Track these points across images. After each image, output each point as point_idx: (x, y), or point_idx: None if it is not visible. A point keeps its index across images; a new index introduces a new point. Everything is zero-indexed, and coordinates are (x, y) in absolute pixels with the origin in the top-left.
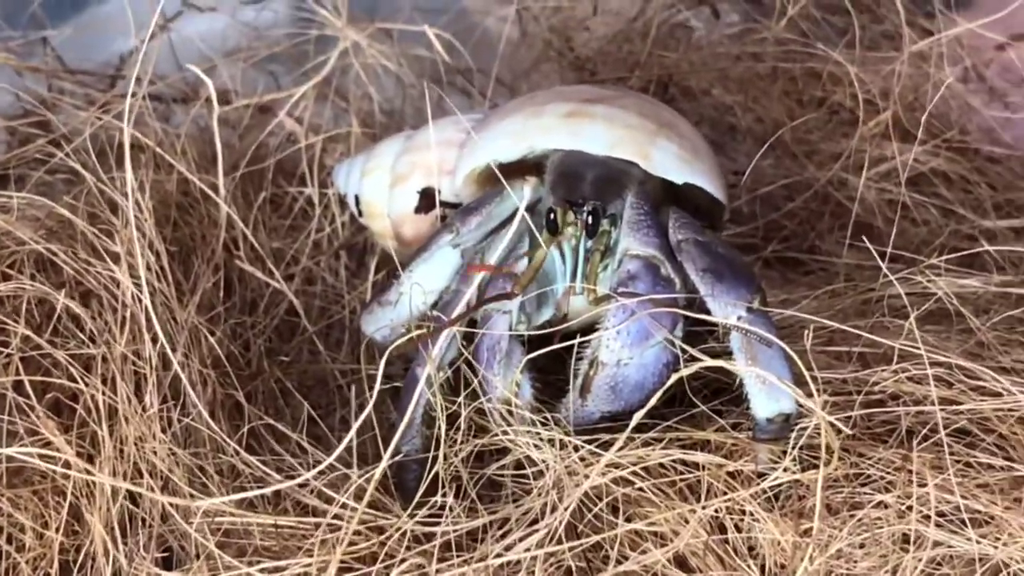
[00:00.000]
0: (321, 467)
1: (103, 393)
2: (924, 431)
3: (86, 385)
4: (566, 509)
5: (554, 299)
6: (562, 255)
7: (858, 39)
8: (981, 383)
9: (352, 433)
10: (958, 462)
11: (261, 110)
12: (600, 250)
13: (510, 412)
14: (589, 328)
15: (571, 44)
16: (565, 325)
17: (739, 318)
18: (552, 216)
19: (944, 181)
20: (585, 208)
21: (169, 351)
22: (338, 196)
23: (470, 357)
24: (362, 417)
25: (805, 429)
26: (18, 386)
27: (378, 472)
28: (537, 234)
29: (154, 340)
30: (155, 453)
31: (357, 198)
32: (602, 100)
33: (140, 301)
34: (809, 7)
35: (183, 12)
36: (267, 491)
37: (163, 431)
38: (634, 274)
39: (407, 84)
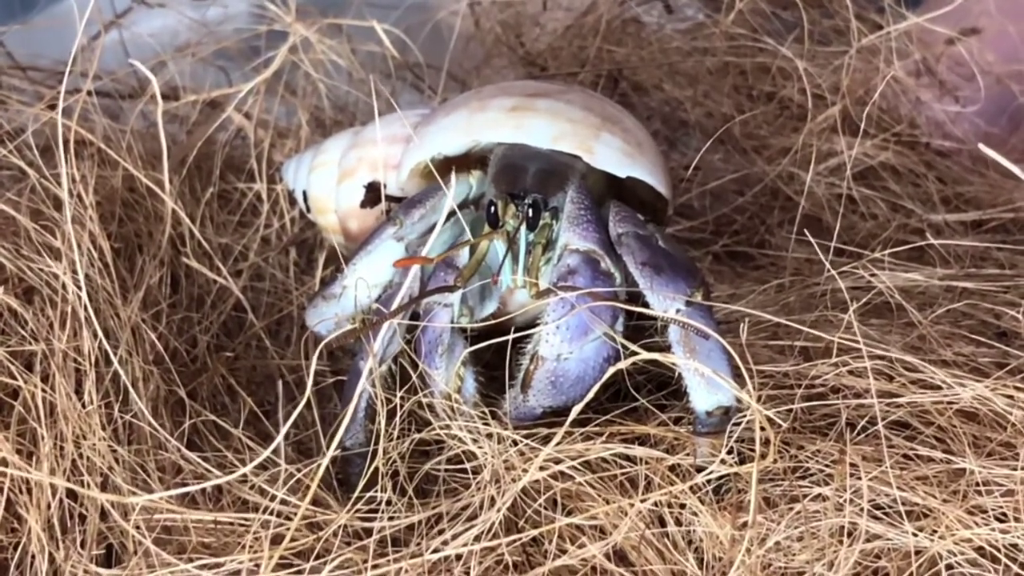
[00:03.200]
0: (257, 461)
1: (42, 390)
2: (863, 424)
3: (25, 382)
4: (504, 503)
5: (496, 292)
6: (504, 247)
7: (807, 34)
8: (921, 376)
9: (287, 426)
10: (897, 455)
11: (211, 105)
12: (542, 243)
13: (451, 407)
14: (531, 322)
15: (522, 40)
16: (507, 318)
17: (677, 311)
18: (492, 209)
19: (893, 175)
20: (526, 201)
21: (108, 348)
22: (287, 192)
23: (411, 351)
24: (298, 409)
25: (742, 423)
26: None
27: (320, 468)
28: (466, 227)
29: (95, 336)
30: (94, 449)
31: (305, 194)
32: (546, 94)
33: (80, 298)
34: (759, 2)
35: (133, 8)
36: (205, 486)
37: (103, 428)
38: (574, 268)
39: (357, 79)
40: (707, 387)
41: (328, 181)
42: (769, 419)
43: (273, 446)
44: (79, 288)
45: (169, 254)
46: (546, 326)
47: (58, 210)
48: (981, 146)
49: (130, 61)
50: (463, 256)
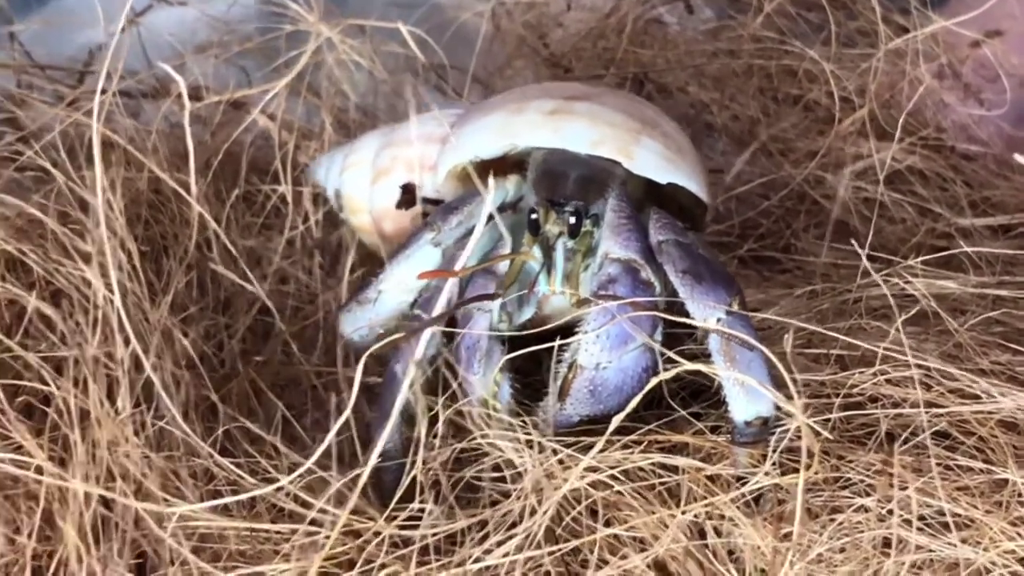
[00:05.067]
0: (299, 472)
1: (75, 396)
2: (904, 434)
3: (58, 388)
4: (545, 513)
5: (535, 299)
6: (544, 255)
7: (834, 36)
8: (960, 386)
9: (331, 436)
10: (938, 465)
11: (233, 106)
12: (582, 251)
13: (488, 413)
14: (568, 329)
15: (545, 41)
16: (545, 327)
17: (718, 320)
18: (534, 216)
19: (920, 179)
20: (567, 208)
21: (141, 353)
22: (313, 192)
23: (450, 356)
24: (340, 420)
25: (785, 433)
26: None
27: (362, 478)
28: (505, 232)
29: (126, 342)
30: (128, 457)
31: (338, 192)
32: (585, 97)
33: (112, 302)
34: (785, 3)
35: (152, 6)
36: (244, 497)
37: (136, 434)
38: (614, 277)
39: (379, 80)
40: (747, 397)
41: (362, 181)
42: (814, 430)
43: (316, 455)
44: (111, 293)
45: (195, 257)
46: (586, 335)
47: (84, 212)
48: (1017, 156)
49: (158, 63)
50: (502, 262)
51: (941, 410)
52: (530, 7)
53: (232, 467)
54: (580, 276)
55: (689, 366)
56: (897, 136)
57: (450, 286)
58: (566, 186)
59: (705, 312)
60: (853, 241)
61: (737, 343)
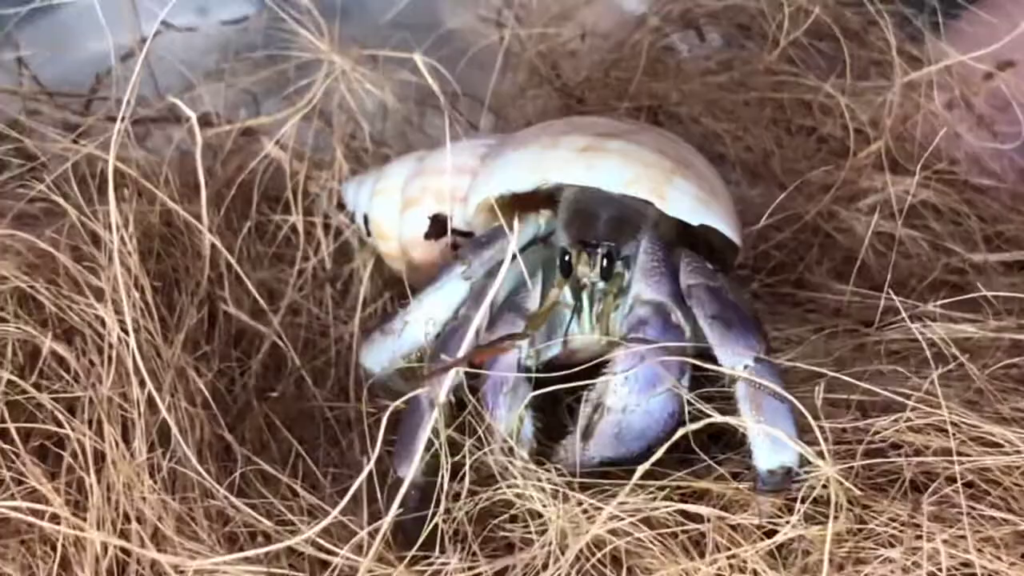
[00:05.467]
0: (324, 523)
1: (90, 438)
2: (928, 483)
3: (72, 430)
4: (568, 561)
5: (572, 337)
6: (574, 295)
7: (848, 69)
8: (981, 434)
9: (356, 483)
10: (962, 515)
11: (243, 133)
12: (613, 292)
13: (511, 450)
14: (594, 368)
15: (558, 71)
16: (573, 367)
17: (746, 367)
18: (567, 258)
19: (933, 213)
20: (600, 250)
21: (155, 395)
22: (325, 223)
23: (466, 395)
24: (367, 469)
25: (811, 483)
26: (2, 432)
27: (383, 529)
28: (527, 277)
29: (141, 384)
30: (144, 500)
31: (367, 218)
32: (618, 135)
33: (127, 343)
34: (796, 33)
35: (161, 31)
36: (271, 549)
37: (151, 476)
38: (644, 319)
39: (390, 108)
40: (772, 446)
41: (390, 208)
42: (841, 482)
43: (342, 504)
44: (125, 333)
45: (207, 291)
46: (615, 376)
47: (96, 247)
48: None
49: (168, 96)
50: (532, 299)
51: (966, 459)
52: (543, 37)
53: (249, 510)
54: (611, 316)
55: (719, 419)
56: (916, 172)
57: (478, 322)
58: (597, 227)
59: (733, 359)
60: (873, 288)
61: (765, 392)
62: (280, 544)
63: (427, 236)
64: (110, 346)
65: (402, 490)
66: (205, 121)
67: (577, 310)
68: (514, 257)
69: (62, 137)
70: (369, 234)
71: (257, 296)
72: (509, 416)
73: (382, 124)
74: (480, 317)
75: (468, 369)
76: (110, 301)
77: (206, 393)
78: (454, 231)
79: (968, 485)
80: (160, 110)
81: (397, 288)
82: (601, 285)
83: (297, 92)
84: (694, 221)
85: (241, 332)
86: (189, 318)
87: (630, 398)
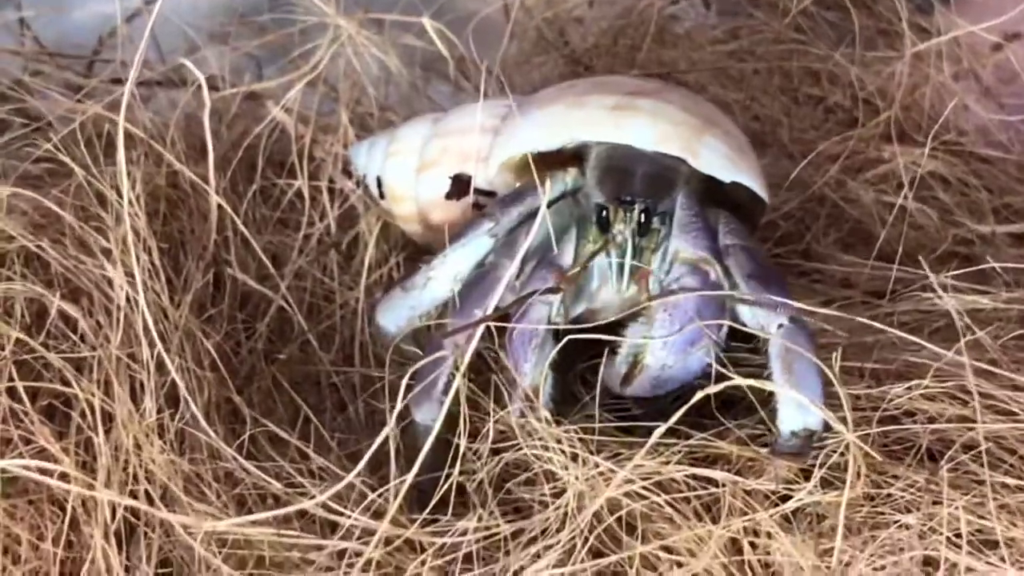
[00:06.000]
0: (339, 486)
1: (98, 397)
2: (943, 450)
3: (81, 390)
4: (583, 523)
5: (588, 292)
6: (608, 251)
7: (858, 40)
8: (995, 402)
9: (372, 450)
10: (979, 483)
11: (249, 96)
12: (651, 248)
13: (531, 407)
14: (619, 323)
15: (565, 37)
16: (596, 322)
17: (780, 327)
18: (604, 214)
19: (941, 183)
20: (637, 206)
21: (165, 356)
22: (330, 187)
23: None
24: (387, 429)
25: (829, 449)
26: (10, 391)
27: (401, 492)
28: (551, 229)
29: (151, 345)
30: (153, 461)
31: (380, 180)
32: (647, 93)
33: (135, 303)
34: (806, 3)
35: None
36: (282, 512)
37: (160, 437)
38: (684, 280)
39: (396, 73)
40: (798, 407)
41: (406, 170)
42: (862, 448)
43: (357, 470)
44: (135, 292)
45: (213, 254)
46: (653, 341)
47: (103, 207)
48: None
49: (178, 58)
50: (566, 254)
51: (983, 427)
52: (549, 3)
53: (259, 472)
54: (648, 273)
55: (743, 382)
56: (927, 143)
57: (513, 271)
58: (633, 183)
59: (768, 318)
60: (880, 258)
61: (796, 353)
62: (291, 507)
63: (448, 196)
64: (118, 307)
65: (430, 440)
66: (211, 85)
67: (612, 266)
68: (550, 207)
69: (66, 98)
70: (383, 196)
71: (264, 259)
72: (535, 371)
73: (386, 89)
74: (514, 267)
75: (497, 323)
76: (119, 261)
77: (214, 354)
78: (476, 190)
79: (984, 452)
80: (165, 72)
81: (405, 251)
82: (639, 241)
83: (302, 56)
84: (726, 178)
85: (247, 295)
86: (195, 281)
87: (669, 358)
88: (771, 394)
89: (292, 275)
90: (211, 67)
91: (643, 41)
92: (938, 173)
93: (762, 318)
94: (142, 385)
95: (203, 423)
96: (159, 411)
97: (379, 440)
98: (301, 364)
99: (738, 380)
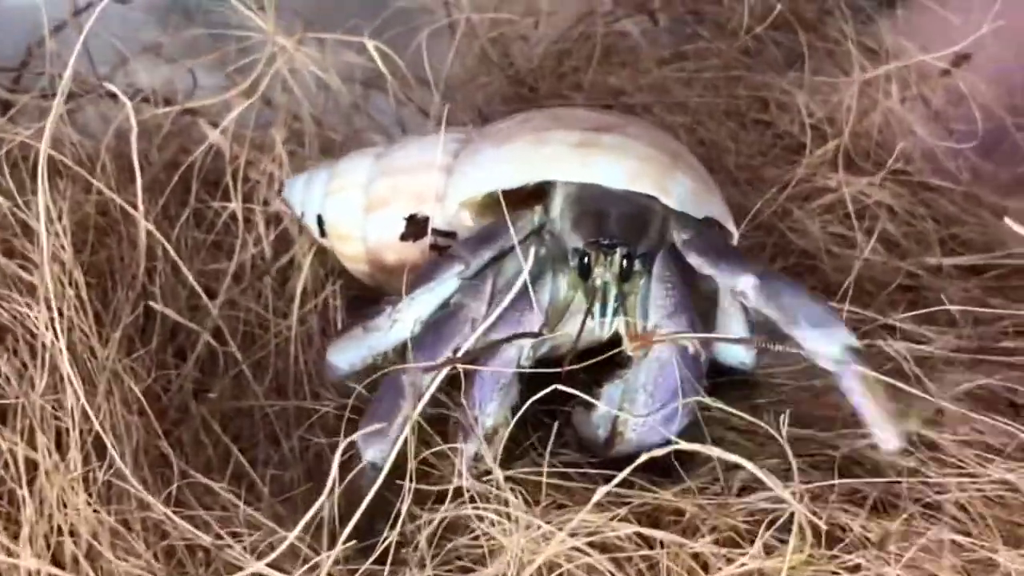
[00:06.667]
0: (277, 552)
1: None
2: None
3: (3, 439)
4: None
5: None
6: (587, 295)
7: (807, 65)
8: (941, 456)
9: (315, 508)
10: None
11: (183, 112)
12: (636, 293)
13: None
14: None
15: (510, 58)
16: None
17: (754, 285)
18: (586, 260)
19: (888, 213)
20: (618, 251)
21: (90, 411)
22: (265, 212)
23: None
24: (323, 496)
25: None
26: None
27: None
28: (524, 261)
29: (76, 392)
30: (79, 512)
31: (320, 218)
32: (609, 128)
33: (60, 348)
34: (753, 24)
35: (92, 3)
36: None
37: (87, 489)
38: (665, 360)
39: (336, 90)
40: (823, 336)
41: (351, 208)
42: (811, 523)
43: (299, 528)
44: (57, 338)
45: (143, 284)
46: (634, 419)
47: (28, 238)
48: (1008, 221)
49: (108, 86)
50: (541, 295)
51: (939, 480)
52: (495, 23)
53: (186, 525)
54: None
55: (688, 446)
56: (875, 174)
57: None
58: (610, 225)
59: (735, 279)
60: (826, 289)
61: (780, 295)
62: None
63: (404, 237)
64: (43, 346)
65: (379, 480)
66: (142, 99)
67: (596, 314)
68: (512, 250)
69: None
70: (323, 235)
71: (197, 287)
72: (498, 413)
73: (325, 106)
74: (488, 310)
75: (465, 366)
76: (43, 299)
77: (142, 400)
78: (434, 231)
79: (932, 507)
80: (95, 87)
81: (343, 279)
82: (620, 287)
83: (238, 71)
84: (698, 214)
85: (179, 325)
86: (125, 315)
87: (650, 434)
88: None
89: (225, 303)
90: (142, 81)
91: (588, 63)
92: (885, 203)
93: (730, 282)
94: (68, 431)
95: (129, 476)
96: (86, 460)
97: (316, 506)
98: (234, 397)
99: (683, 445)
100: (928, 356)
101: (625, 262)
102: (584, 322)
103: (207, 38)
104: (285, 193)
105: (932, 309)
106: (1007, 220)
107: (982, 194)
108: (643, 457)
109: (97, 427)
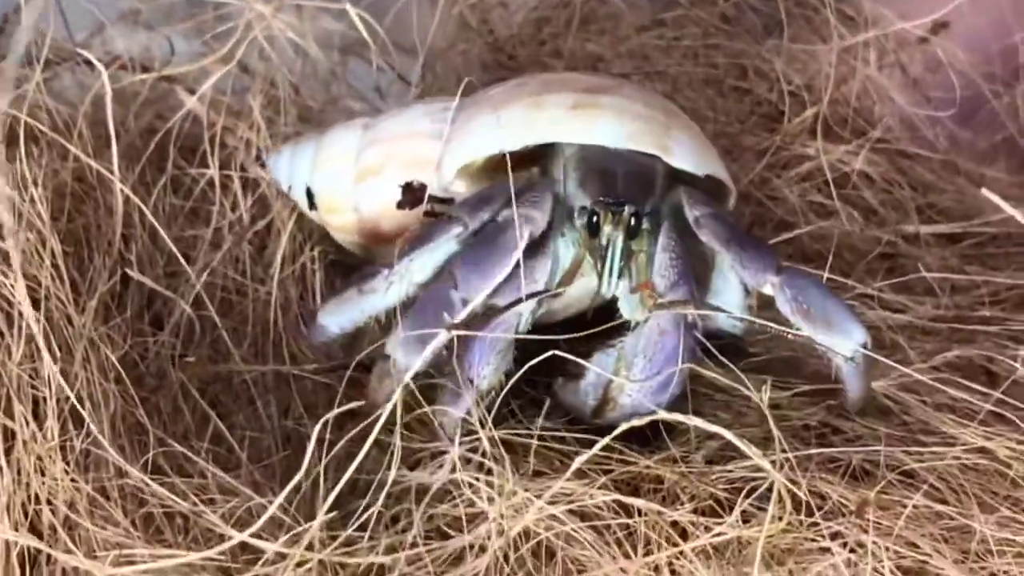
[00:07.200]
0: (259, 524)
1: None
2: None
3: None
4: (498, 550)
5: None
6: (594, 255)
7: (785, 32)
8: (917, 422)
9: (285, 492)
10: (905, 507)
11: (160, 79)
12: (644, 251)
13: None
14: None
15: (489, 24)
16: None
17: (774, 283)
18: (595, 218)
19: (866, 181)
20: (626, 208)
21: (63, 383)
22: (242, 177)
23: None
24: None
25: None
26: None
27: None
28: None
29: (53, 358)
30: (57, 481)
31: (310, 191)
32: (605, 90)
33: (39, 321)
34: None
35: None
36: (197, 556)
37: (64, 458)
38: (664, 329)
39: (313, 57)
40: (840, 335)
41: (342, 179)
42: (791, 492)
43: (279, 499)
44: (36, 304)
45: (120, 250)
46: (630, 383)
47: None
48: (985, 191)
49: (82, 52)
50: (541, 261)
51: (909, 448)
52: None
53: (164, 491)
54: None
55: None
56: (853, 142)
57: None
58: (617, 184)
59: (758, 277)
60: (804, 258)
61: (803, 293)
62: (209, 551)
63: (400, 205)
64: (20, 315)
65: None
66: (119, 67)
67: (608, 270)
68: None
69: None
70: (313, 207)
71: (176, 252)
72: (494, 376)
73: (303, 73)
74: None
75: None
76: (18, 267)
77: (119, 368)
78: (432, 198)
79: (909, 475)
80: (71, 54)
81: (323, 244)
82: (630, 244)
83: (216, 38)
84: (700, 172)
85: (156, 292)
86: (101, 282)
87: (645, 400)
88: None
89: (203, 270)
90: (119, 47)
91: (567, 30)
92: (863, 171)
93: (753, 279)
94: (45, 400)
95: (106, 444)
96: (63, 429)
97: (295, 479)
98: (212, 362)
99: (664, 415)
100: (907, 325)
101: (633, 220)
102: (601, 277)
103: (184, 4)
104: (270, 168)
105: (910, 277)
106: (984, 191)
107: (960, 162)
108: (624, 426)
109: (73, 398)
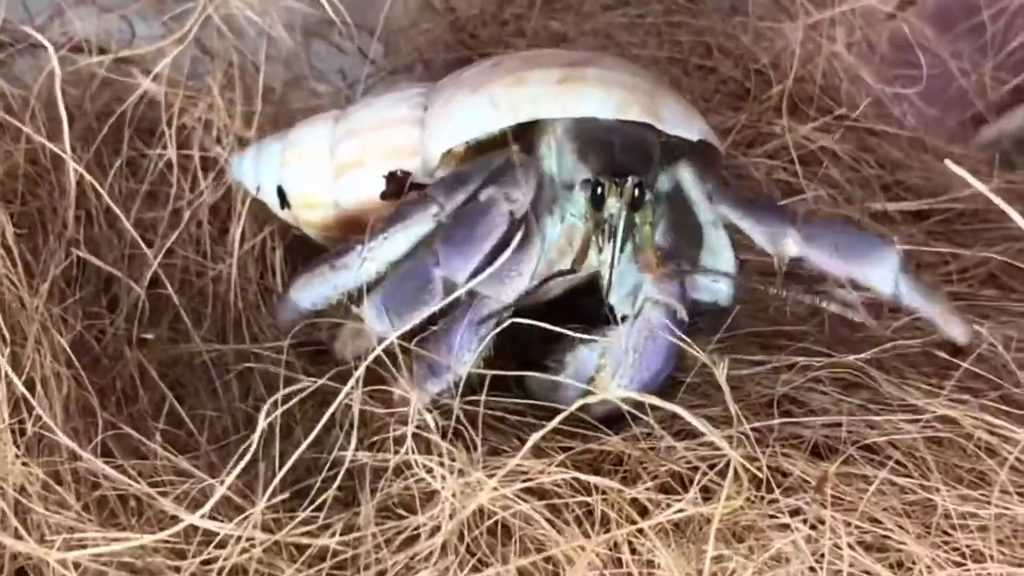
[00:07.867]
0: (212, 502)
1: None
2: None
3: None
4: (452, 530)
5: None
6: (610, 230)
7: (751, 8)
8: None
9: (237, 467)
10: (867, 481)
11: (118, 60)
12: (649, 223)
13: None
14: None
15: (451, 4)
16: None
17: (795, 238)
18: (600, 191)
19: (832, 158)
20: (630, 180)
21: (9, 371)
22: (201, 157)
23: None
24: (253, 441)
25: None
26: None
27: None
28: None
29: (3, 341)
30: (9, 462)
31: (281, 190)
32: (587, 63)
33: None
34: None
35: None
36: (151, 539)
37: (15, 443)
38: (654, 324)
39: (275, 38)
40: (874, 267)
41: (318, 175)
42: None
43: (229, 480)
44: None
45: (74, 232)
46: (620, 378)
47: None
48: (948, 163)
49: (31, 33)
50: (528, 243)
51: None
52: None
53: (117, 474)
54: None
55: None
56: (820, 119)
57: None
58: (617, 155)
59: (778, 238)
60: None
61: (823, 238)
62: (165, 532)
63: (385, 196)
64: None
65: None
66: (75, 48)
67: (614, 243)
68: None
69: None
70: (285, 206)
71: (134, 233)
72: (474, 357)
73: (266, 53)
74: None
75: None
76: None
77: (69, 351)
78: (416, 185)
79: (871, 450)
80: (24, 36)
81: (278, 222)
82: (633, 217)
83: (175, 19)
84: (693, 136)
85: (111, 276)
86: (55, 263)
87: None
88: None
89: (164, 250)
90: (76, 29)
91: (530, 9)
92: (829, 148)
93: (774, 242)
94: None
95: (56, 428)
96: (14, 412)
97: (246, 458)
98: (172, 343)
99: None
100: (873, 301)
101: (636, 191)
102: (613, 252)
103: None
104: (234, 170)
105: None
106: (947, 162)
107: (927, 139)
108: (578, 402)
109: (20, 382)
